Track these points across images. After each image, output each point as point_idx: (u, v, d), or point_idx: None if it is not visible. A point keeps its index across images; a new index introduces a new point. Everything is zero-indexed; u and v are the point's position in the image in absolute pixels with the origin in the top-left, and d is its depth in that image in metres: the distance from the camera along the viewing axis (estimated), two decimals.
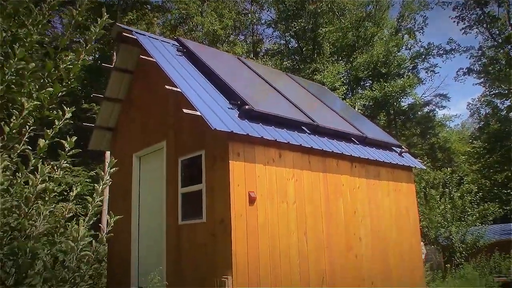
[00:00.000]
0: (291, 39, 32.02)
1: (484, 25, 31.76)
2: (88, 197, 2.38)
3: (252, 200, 5.67)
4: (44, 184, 2.16)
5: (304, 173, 6.59)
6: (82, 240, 2.12)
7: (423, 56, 34.09)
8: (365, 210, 7.56)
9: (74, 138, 2.69)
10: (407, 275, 8.12)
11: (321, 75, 24.14)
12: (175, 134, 6.75)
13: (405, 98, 31.60)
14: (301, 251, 6.19)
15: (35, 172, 2.20)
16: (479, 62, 33.50)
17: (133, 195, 7.53)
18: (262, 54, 31.61)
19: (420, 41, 40.29)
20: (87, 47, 2.74)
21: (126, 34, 7.50)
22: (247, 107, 6.09)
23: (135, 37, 7.41)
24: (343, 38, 29.50)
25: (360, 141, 8.13)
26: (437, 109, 36.93)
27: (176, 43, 8.23)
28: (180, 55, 7.63)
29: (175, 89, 6.06)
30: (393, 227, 8.14)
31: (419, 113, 34.17)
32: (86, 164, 21.37)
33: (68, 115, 2.48)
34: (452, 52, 33.94)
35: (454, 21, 32.22)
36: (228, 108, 6.19)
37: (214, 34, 25.20)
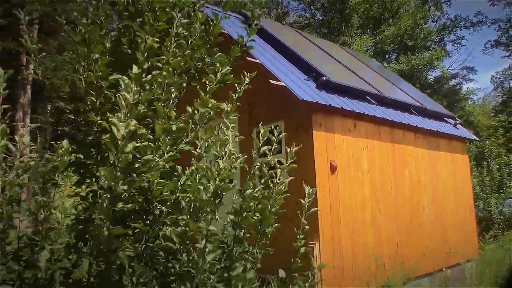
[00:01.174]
0: (315, 11, 31.60)
1: None
2: None
3: (333, 169, 5.82)
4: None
5: (375, 143, 6.70)
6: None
7: (450, 29, 33.50)
8: (427, 180, 7.67)
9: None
10: (463, 245, 8.27)
11: (349, 47, 23.88)
12: (248, 104, 6.84)
13: (432, 71, 31.25)
14: (375, 221, 6.36)
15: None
16: (506, 35, 32.92)
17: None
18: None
19: (447, 13, 39.52)
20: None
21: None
22: (324, 78, 6.16)
23: None
24: (369, 10, 29.05)
25: (420, 112, 8.19)
26: (464, 82, 36.47)
27: (239, 16, 8.27)
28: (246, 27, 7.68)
29: (253, 60, 6.14)
30: (451, 198, 8.25)
31: (445, 86, 33.78)
32: None
33: (247, 79, 2.60)
34: (479, 24, 33.34)
35: None
36: (305, 79, 6.28)
37: (241, 5, 24.91)
